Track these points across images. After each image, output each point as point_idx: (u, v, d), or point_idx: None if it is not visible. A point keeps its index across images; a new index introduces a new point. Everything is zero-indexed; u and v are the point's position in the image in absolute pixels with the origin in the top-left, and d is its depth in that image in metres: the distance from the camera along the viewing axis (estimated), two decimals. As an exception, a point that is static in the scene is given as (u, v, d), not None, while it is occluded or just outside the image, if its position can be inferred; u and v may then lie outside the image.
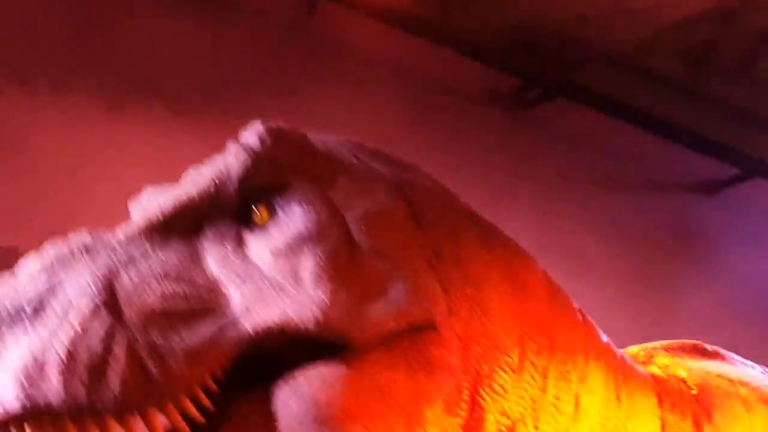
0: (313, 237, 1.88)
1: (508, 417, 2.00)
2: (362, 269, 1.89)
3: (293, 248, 1.87)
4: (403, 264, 1.92)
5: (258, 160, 1.92)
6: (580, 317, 2.18)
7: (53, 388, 1.66)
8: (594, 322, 2.24)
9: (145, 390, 1.71)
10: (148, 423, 1.72)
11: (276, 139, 1.95)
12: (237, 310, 1.82)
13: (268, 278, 1.85)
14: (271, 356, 1.83)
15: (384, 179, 2.01)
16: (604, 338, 2.23)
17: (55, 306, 1.75)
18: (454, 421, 1.92)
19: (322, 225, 1.89)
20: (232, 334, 1.79)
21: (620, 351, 2.30)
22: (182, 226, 1.92)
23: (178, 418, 1.75)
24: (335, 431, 1.78)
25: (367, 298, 1.86)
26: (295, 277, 1.85)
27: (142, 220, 1.92)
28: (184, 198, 1.93)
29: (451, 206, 2.08)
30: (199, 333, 1.78)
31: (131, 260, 1.85)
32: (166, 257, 1.87)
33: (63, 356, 1.69)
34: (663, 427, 2.17)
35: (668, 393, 2.24)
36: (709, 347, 2.49)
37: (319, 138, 2.05)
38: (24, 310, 1.74)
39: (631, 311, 6.38)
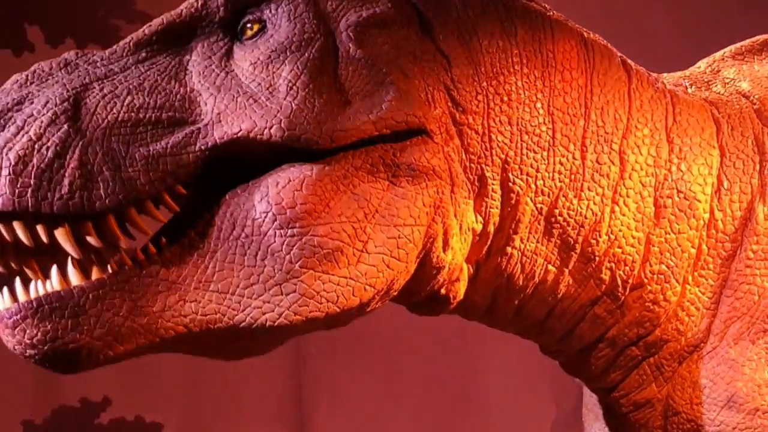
0: (294, 47, 1.93)
1: (544, 194, 2.05)
2: (345, 78, 1.93)
3: (273, 59, 1.92)
4: (394, 69, 1.95)
5: None
6: (620, 67, 2.17)
7: (1, 191, 1.78)
8: (639, 67, 2.21)
9: (96, 193, 1.80)
10: (100, 225, 1.83)
11: None
12: (207, 118, 1.88)
13: (243, 89, 1.91)
14: (252, 165, 1.89)
15: None
16: (651, 77, 2.22)
17: (17, 117, 1.84)
18: (464, 219, 1.98)
19: (305, 35, 1.94)
20: (199, 142, 1.86)
21: (674, 81, 2.31)
22: (170, 41, 1.97)
23: (137, 219, 1.85)
24: (299, 232, 1.83)
25: (345, 104, 1.91)
26: (271, 87, 1.90)
27: (130, 37, 1.98)
28: (173, 15, 1.98)
29: None
30: (164, 140, 1.85)
31: (108, 74, 1.92)
32: (145, 70, 1.93)
33: (13, 162, 1.79)
34: (722, 155, 2.18)
35: (728, 116, 2.23)
36: None
37: None
38: None
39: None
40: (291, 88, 1.89)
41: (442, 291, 2.03)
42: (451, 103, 1.99)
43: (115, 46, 1.98)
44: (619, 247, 2.11)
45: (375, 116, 1.90)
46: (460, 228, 1.99)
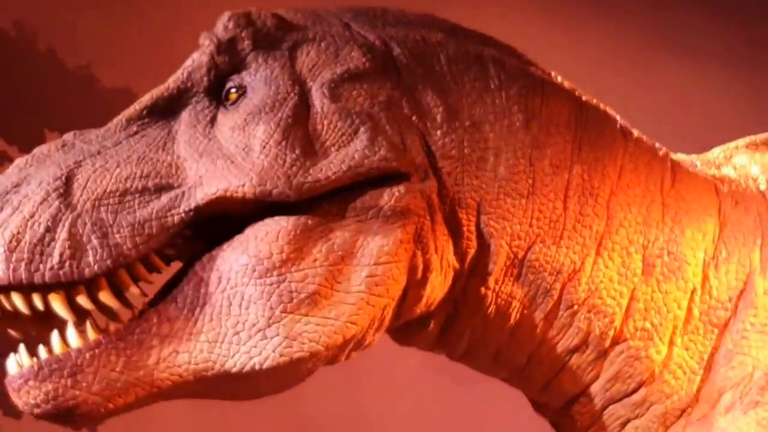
0: (268, 108, 2.06)
1: (520, 239, 2.14)
2: (320, 132, 2.05)
3: (249, 121, 2.05)
4: (367, 119, 2.06)
5: (220, 45, 2.12)
6: (616, 131, 2.26)
7: None
8: (641, 134, 2.29)
9: (85, 261, 1.96)
10: (92, 288, 1.98)
11: (238, 22, 2.12)
12: (190, 182, 2.03)
13: (223, 151, 2.04)
14: (241, 219, 2.03)
15: (362, 41, 2.14)
16: (654, 145, 2.30)
17: (14, 198, 2.00)
18: (436, 255, 2.09)
19: (279, 96, 2.07)
20: (183, 205, 2.01)
21: (684, 158, 2.37)
22: (159, 114, 2.12)
23: (127, 280, 2.01)
24: (276, 280, 1.98)
25: (319, 157, 2.03)
26: (246, 147, 2.04)
27: (122, 114, 2.13)
28: (161, 89, 2.14)
29: (457, 56, 2.17)
30: (150, 206, 2.00)
31: (101, 150, 2.06)
32: (135, 143, 2.07)
33: (7, 240, 1.96)
34: (723, 226, 2.25)
35: (732, 192, 2.31)
36: None
37: (303, 12, 2.19)
38: None
39: (738, 91, 5.89)
40: (264, 147, 2.03)
41: (416, 320, 2.17)
42: (425, 146, 2.10)
43: (109, 124, 2.13)
44: (599, 298, 2.18)
45: (347, 165, 2.03)
46: (441, 263, 2.11)
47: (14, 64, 4.99)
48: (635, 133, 2.30)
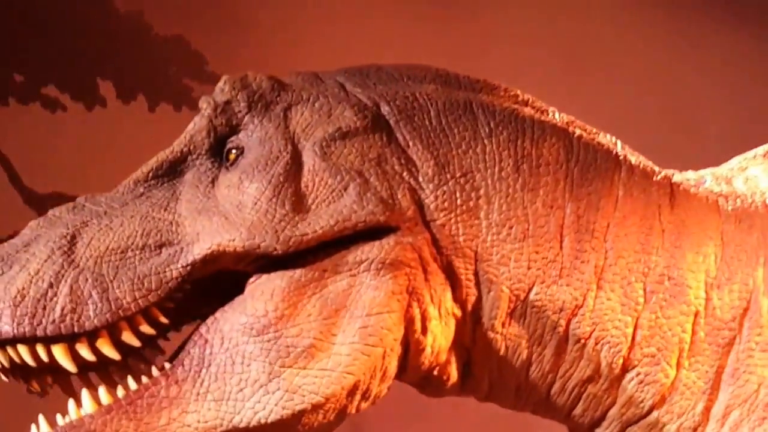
0: (261, 167, 2.13)
1: (521, 281, 2.17)
2: (311, 188, 2.12)
3: (243, 179, 2.13)
4: (357, 176, 2.12)
5: (217, 108, 2.21)
6: (610, 160, 2.26)
7: (3, 322, 2.05)
8: (641, 160, 2.29)
9: (85, 314, 2.05)
10: (92, 341, 2.06)
11: (234, 85, 2.21)
12: (189, 238, 2.11)
13: (219, 208, 2.12)
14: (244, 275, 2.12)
15: (355, 100, 2.21)
16: (650, 169, 2.30)
17: (23, 257, 2.11)
18: (430, 307, 2.13)
19: (272, 155, 2.14)
20: (181, 260, 2.09)
21: (696, 177, 2.37)
22: (165, 175, 2.20)
23: (130, 334, 2.09)
24: (273, 337, 2.05)
25: (308, 212, 2.10)
26: (240, 204, 2.12)
27: (130, 176, 2.22)
28: (166, 153, 2.23)
29: (446, 107, 2.22)
30: (150, 262, 2.09)
31: (108, 211, 2.16)
32: (140, 204, 2.17)
33: (13, 295, 2.06)
34: (725, 246, 2.25)
35: (735, 210, 2.29)
36: None
37: (303, 74, 2.28)
38: None
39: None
40: (256, 203, 2.11)
41: (435, 373, 2.20)
42: (417, 200, 2.14)
43: (119, 186, 2.22)
44: (604, 329, 2.20)
45: (335, 220, 2.09)
46: (440, 313, 2.14)
47: (65, 11, 4.96)
48: (633, 159, 2.30)
